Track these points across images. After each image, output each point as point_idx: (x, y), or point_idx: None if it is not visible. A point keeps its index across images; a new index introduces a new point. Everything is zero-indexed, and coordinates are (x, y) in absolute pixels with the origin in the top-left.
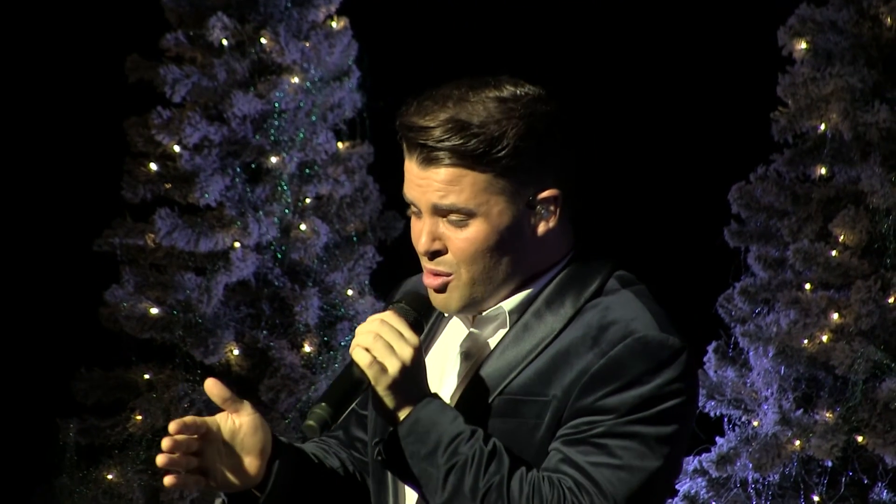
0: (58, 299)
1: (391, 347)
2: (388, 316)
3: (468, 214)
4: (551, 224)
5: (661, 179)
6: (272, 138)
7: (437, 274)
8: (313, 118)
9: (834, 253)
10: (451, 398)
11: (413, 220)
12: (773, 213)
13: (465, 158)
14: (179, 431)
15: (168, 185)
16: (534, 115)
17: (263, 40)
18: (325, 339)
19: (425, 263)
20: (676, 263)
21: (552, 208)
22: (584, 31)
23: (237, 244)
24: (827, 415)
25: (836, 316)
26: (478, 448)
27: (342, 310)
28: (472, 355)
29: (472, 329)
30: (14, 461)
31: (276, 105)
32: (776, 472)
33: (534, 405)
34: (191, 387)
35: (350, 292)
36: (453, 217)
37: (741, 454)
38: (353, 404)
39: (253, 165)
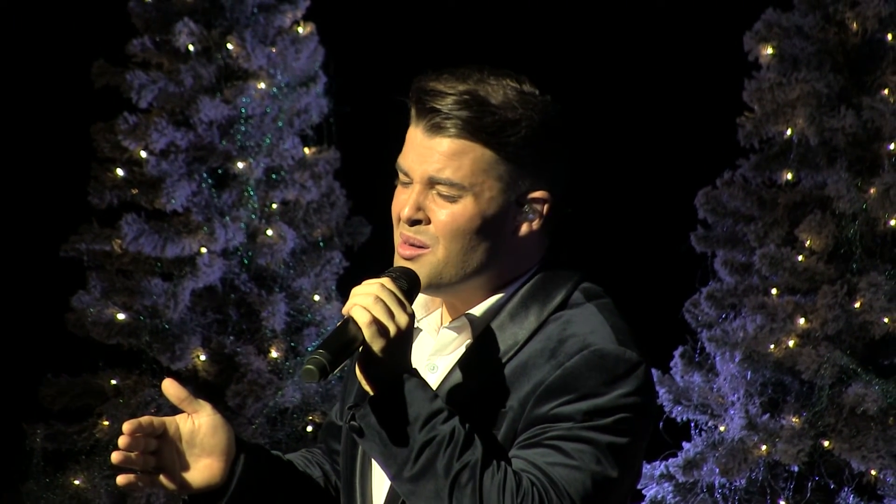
0: (24, 305)
1: (390, 312)
2: (387, 281)
3: (460, 190)
4: (534, 227)
5: (628, 184)
6: (239, 144)
7: (412, 244)
8: (280, 124)
9: (800, 258)
10: None
11: (398, 190)
12: (740, 218)
13: (475, 133)
14: (135, 431)
15: (135, 191)
16: (548, 115)
17: (230, 46)
18: (292, 344)
19: (404, 231)
20: (643, 268)
21: (539, 210)
22: (548, 38)
23: (204, 250)
24: (793, 420)
25: (802, 321)
26: (456, 428)
27: (309, 315)
28: (440, 370)
29: (437, 340)
30: None
31: (243, 110)
32: (743, 476)
33: (491, 416)
34: (157, 392)
35: (317, 298)
36: (444, 191)
37: (708, 459)
38: (348, 361)
39: (219, 171)
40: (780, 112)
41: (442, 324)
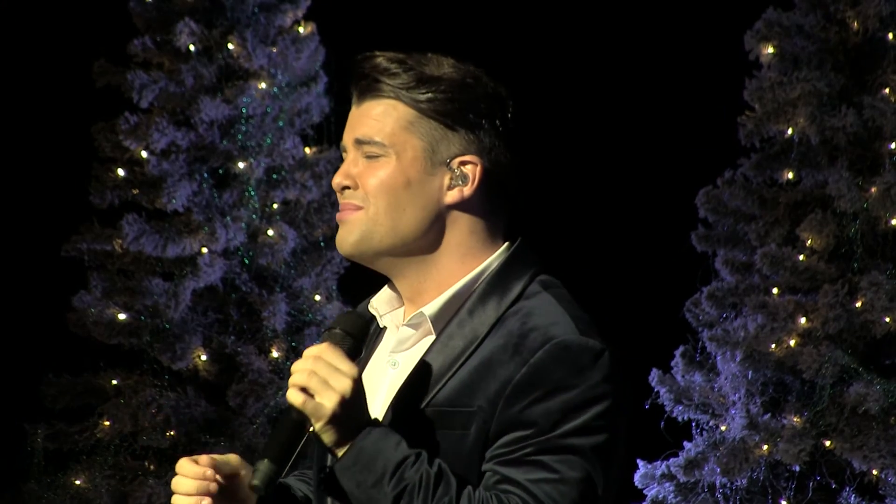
0: (25, 305)
1: (327, 382)
2: (323, 349)
3: (382, 149)
4: (465, 193)
5: (629, 184)
6: (239, 143)
7: (345, 210)
8: (280, 123)
9: (801, 257)
10: (382, 411)
11: None
12: (741, 217)
13: (396, 91)
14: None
15: (135, 191)
16: (477, 81)
17: (231, 46)
18: (293, 344)
19: (339, 200)
20: (644, 268)
21: (469, 176)
22: (553, 36)
23: (204, 249)
24: (794, 419)
25: (803, 320)
26: (424, 472)
27: (310, 315)
28: (401, 365)
29: (397, 336)
30: None
31: (244, 110)
32: (744, 476)
33: (460, 416)
34: (158, 392)
35: (318, 297)
36: (369, 151)
37: (709, 459)
38: (299, 449)
39: (220, 171)
40: (781, 111)
41: (404, 320)
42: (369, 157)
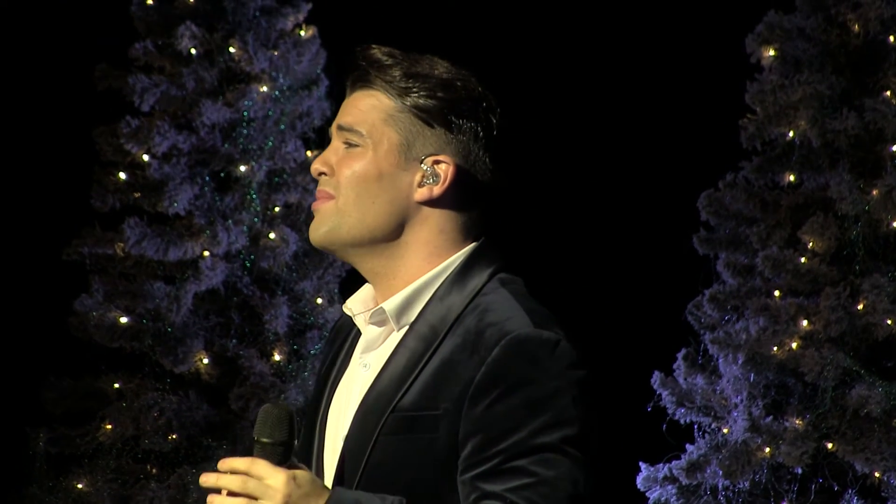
0: (26, 308)
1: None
2: (251, 464)
3: (360, 138)
4: (435, 192)
5: (630, 187)
6: (241, 147)
7: (320, 197)
8: (282, 127)
9: (803, 260)
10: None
11: None
12: (742, 220)
13: (383, 83)
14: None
15: (137, 194)
16: (465, 83)
17: (232, 49)
18: (295, 347)
19: (318, 187)
20: (645, 271)
21: (440, 176)
22: (555, 39)
23: (206, 253)
24: (797, 422)
25: (805, 323)
26: None
27: (312, 318)
28: (371, 367)
29: (366, 337)
30: None
31: (245, 114)
32: (746, 479)
33: (425, 420)
34: (160, 395)
35: (320, 300)
36: (348, 138)
37: (711, 461)
38: None
39: (222, 174)
40: (783, 114)
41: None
42: (348, 145)
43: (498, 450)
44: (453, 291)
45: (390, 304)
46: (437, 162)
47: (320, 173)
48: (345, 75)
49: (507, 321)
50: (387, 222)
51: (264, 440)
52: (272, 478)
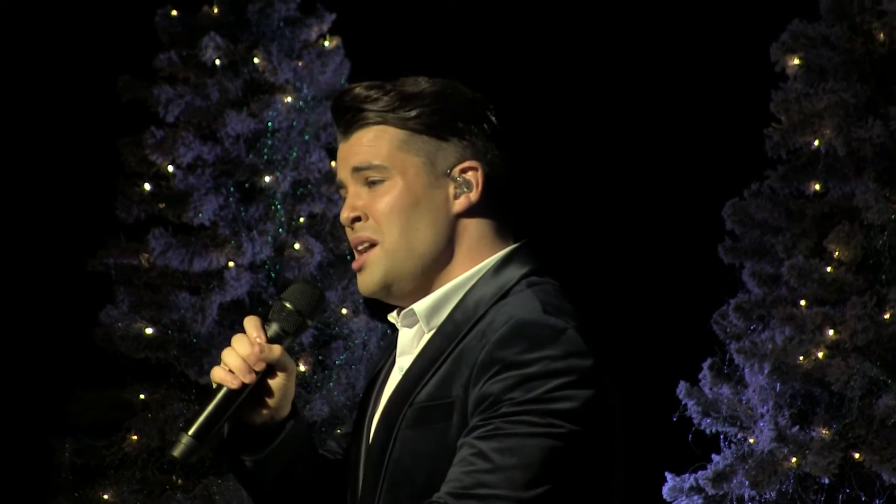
0: (52, 319)
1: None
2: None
3: (383, 172)
4: (472, 198)
5: (656, 196)
6: (265, 157)
7: (360, 249)
8: (306, 137)
9: (829, 269)
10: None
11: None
12: (768, 229)
13: (381, 115)
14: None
15: (162, 205)
16: (455, 90)
17: (256, 60)
18: (320, 357)
19: (350, 236)
20: (671, 280)
21: (473, 181)
22: (582, 50)
23: (231, 263)
24: (823, 431)
25: (831, 332)
26: None
27: (336, 328)
28: (403, 368)
29: (400, 341)
30: (9, 482)
31: (269, 124)
32: (773, 489)
33: (439, 409)
34: (186, 406)
35: (344, 311)
36: (371, 176)
37: (737, 471)
38: (219, 426)
39: (246, 185)
40: (808, 123)
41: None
42: (372, 183)
43: (483, 415)
44: (482, 292)
45: (420, 306)
46: (464, 170)
47: (353, 220)
48: (335, 123)
49: (517, 308)
50: (435, 244)
51: (287, 305)
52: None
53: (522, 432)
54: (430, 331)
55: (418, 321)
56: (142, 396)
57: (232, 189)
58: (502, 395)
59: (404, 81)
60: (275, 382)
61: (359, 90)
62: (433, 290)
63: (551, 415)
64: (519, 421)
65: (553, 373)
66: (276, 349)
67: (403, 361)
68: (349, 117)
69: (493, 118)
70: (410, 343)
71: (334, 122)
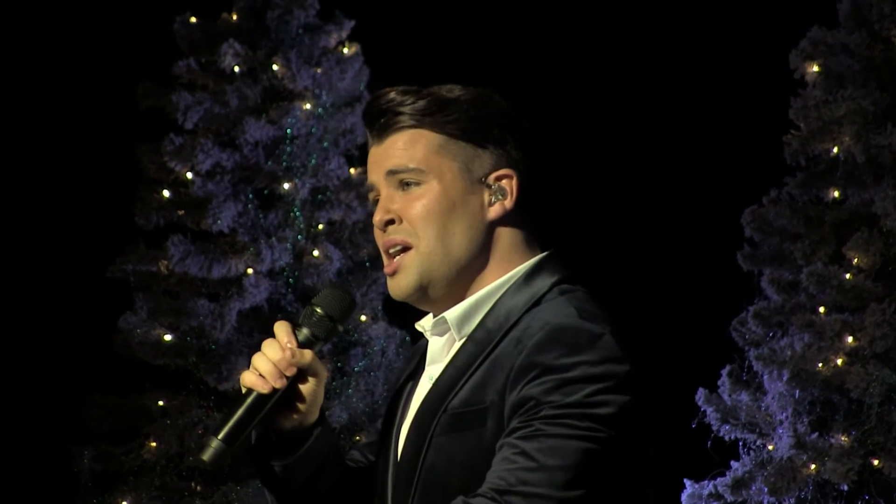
0: (71, 326)
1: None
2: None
3: (420, 175)
4: (507, 206)
5: (674, 203)
6: (284, 164)
7: (392, 253)
8: (325, 144)
9: (848, 276)
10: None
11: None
12: (787, 236)
13: (418, 119)
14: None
15: (181, 212)
16: (490, 98)
17: (275, 66)
18: (339, 364)
19: (383, 239)
20: (690, 287)
21: (507, 189)
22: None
23: (250, 270)
24: (842, 438)
25: (850, 339)
26: None
27: (355, 335)
28: (434, 376)
29: (430, 350)
30: (29, 488)
31: (288, 131)
32: (792, 495)
33: (474, 414)
34: (204, 413)
35: (363, 318)
36: (406, 178)
37: (756, 478)
38: (249, 430)
39: (265, 191)
40: (827, 130)
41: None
42: (406, 185)
43: (523, 417)
44: (513, 299)
45: (452, 314)
46: (499, 177)
47: (387, 222)
48: (367, 126)
49: (554, 315)
50: (470, 249)
51: (318, 310)
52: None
53: (564, 434)
54: (461, 339)
55: (449, 329)
56: (160, 403)
57: (251, 196)
58: (542, 397)
59: (439, 88)
60: (305, 387)
61: (394, 94)
62: (466, 297)
63: (591, 419)
64: (560, 423)
65: (591, 377)
66: (308, 354)
67: (434, 370)
68: (383, 121)
69: (527, 125)
70: (441, 351)
71: (366, 126)
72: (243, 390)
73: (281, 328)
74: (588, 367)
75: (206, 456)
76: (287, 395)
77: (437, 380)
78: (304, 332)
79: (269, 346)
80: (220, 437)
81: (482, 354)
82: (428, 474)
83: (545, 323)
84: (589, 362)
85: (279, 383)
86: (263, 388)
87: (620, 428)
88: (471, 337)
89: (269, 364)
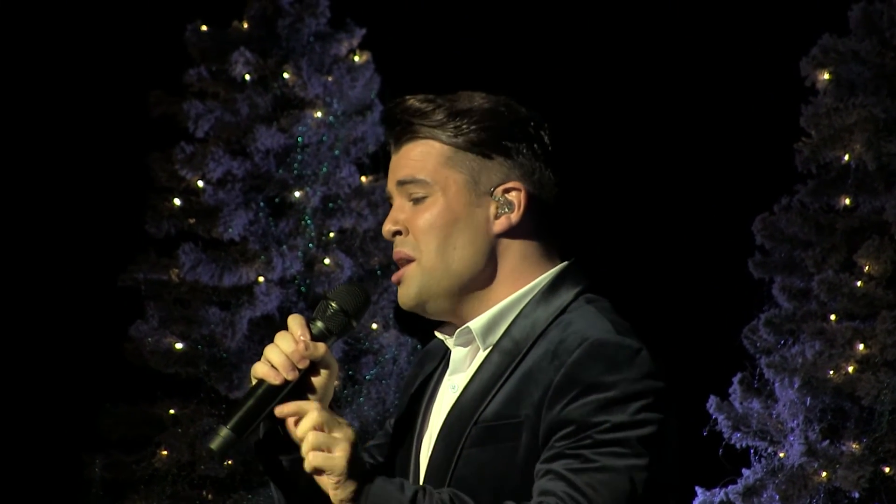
0: (82, 335)
1: (330, 448)
2: (314, 416)
3: (426, 187)
4: (513, 220)
5: (686, 210)
6: (295, 172)
7: (400, 261)
8: (336, 152)
9: (859, 283)
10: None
11: None
12: (798, 243)
13: (430, 129)
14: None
15: (192, 220)
16: (508, 108)
17: (286, 75)
18: (350, 372)
19: (394, 249)
20: (701, 295)
21: (514, 202)
22: (612, 65)
23: (261, 278)
24: (853, 445)
25: (861, 346)
26: (437, 499)
27: (366, 343)
28: (458, 388)
29: (453, 359)
30: (41, 497)
31: (299, 139)
32: (803, 503)
33: (507, 428)
34: (216, 421)
35: (374, 326)
36: (414, 192)
37: (768, 486)
38: (258, 421)
39: (276, 200)
40: (838, 137)
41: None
42: (415, 199)
43: (568, 441)
44: (539, 309)
45: (476, 324)
46: (507, 190)
47: (394, 233)
48: (386, 133)
49: (590, 328)
50: (473, 263)
51: (333, 304)
52: (338, 430)
53: (611, 465)
54: (485, 349)
55: (473, 339)
56: (172, 411)
57: (262, 204)
58: (586, 419)
59: (459, 96)
60: (317, 380)
61: (411, 102)
62: (482, 310)
63: (637, 442)
64: (607, 452)
65: (633, 395)
66: (321, 347)
67: (457, 380)
68: (399, 129)
69: (546, 138)
70: (463, 361)
71: (385, 133)
72: (254, 381)
73: (295, 321)
74: (629, 385)
75: (215, 444)
76: (298, 388)
77: (464, 390)
78: (318, 325)
79: (282, 338)
80: (230, 426)
81: (511, 365)
82: (458, 486)
83: (582, 338)
84: (629, 379)
85: (291, 375)
86: (275, 380)
87: (660, 446)
88: (497, 347)
89: (281, 356)
